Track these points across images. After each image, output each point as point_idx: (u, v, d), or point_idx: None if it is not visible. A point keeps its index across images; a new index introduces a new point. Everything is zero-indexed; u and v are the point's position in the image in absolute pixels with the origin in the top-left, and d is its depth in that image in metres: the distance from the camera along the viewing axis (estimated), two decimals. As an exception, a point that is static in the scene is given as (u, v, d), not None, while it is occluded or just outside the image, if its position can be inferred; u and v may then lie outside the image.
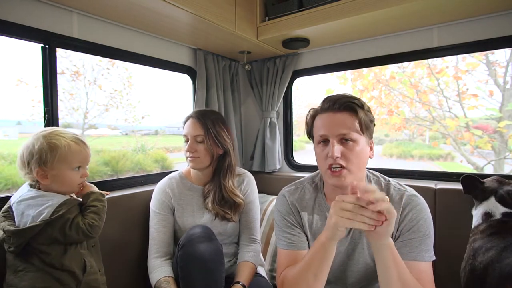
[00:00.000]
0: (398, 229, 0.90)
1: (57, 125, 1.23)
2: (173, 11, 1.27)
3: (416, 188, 1.00)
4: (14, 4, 1.11)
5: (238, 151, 2.02)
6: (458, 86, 2.68)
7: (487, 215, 1.09)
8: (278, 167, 1.99)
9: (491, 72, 2.53)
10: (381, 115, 3.14)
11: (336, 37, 1.67)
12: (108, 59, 2.66)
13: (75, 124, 2.94)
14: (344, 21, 1.41)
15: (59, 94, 1.25)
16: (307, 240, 1.00)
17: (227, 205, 1.30)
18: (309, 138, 1.01)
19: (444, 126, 2.86)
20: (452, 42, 1.45)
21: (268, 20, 1.64)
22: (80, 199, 1.00)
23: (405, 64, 2.85)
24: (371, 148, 0.94)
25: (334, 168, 0.87)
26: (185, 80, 1.86)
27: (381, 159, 3.71)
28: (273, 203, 1.74)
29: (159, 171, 2.08)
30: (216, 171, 1.34)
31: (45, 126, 1.20)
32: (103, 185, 1.37)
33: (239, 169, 1.44)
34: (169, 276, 1.16)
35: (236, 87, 2.07)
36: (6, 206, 0.93)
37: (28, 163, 0.89)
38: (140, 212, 1.39)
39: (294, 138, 2.11)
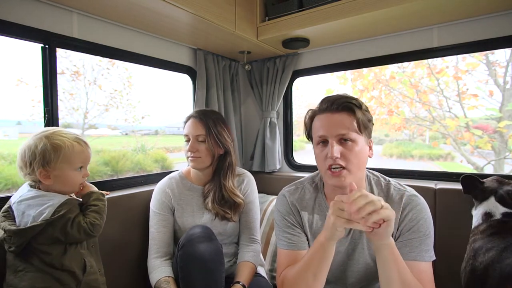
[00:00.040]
0: (398, 229, 0.90)
1: (57, 125, 1.23)
2: (173, 11, 1.27)
3: (416, 188, 1.00)
4: (14, 4, 1.11)
5: (238, 151, 2.02)
6: (458, 86, 2.68)
7: (487, 215, 1.09)
8: (278, 167, 1.99)
9: (491, 72, 2.53)
10: (381, 115, 3.14)
11: (336, 37, 1.67)
12: (108, 59, 2.66)
13: (75, 124, 2.94)
14: (344, 21, 1.41)
15: (59, 94, 1.25)
16: (307, 240, 1.00)
17: (227, 205, 1.30)
18: (308, 139, 1.01)
19: (444, 126, 2.87)
20: (452, 42, 1.45)
21: (268, 20, 1.64)
22: (80, 199, 1.00)
23: (405, 64, 2.85)
24: (370, 148, 0.94)
25: (334, 168, 0.87)
26: (185, 80, 1.86)
27: (381, 159, 3.71)
28: (273, 203, 1.74)
29: (159, 171, 2.08)
30: (217, 171, 1.34)
31: (45, 126, 1.20)
32: (103, 185, 1.37)
33: (239, 169, 1.44)
34: (169, 276, 1.16)
35: (236, 87, 2.07)
36: (6, 206, 0.93)
37: (31, 164, 0.89)
38: (140, 212, 1.39)
39: (294, 138, 2.11)
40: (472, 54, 2.43)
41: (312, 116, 0.96)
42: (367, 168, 0.99)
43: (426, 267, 0.85)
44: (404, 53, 1.58)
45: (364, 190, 0.70)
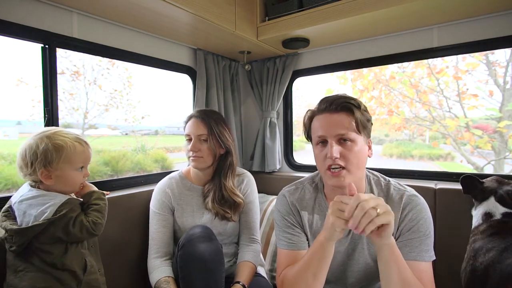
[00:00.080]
0: (398, 229, 0.90)
1: (57, 125, 1.23)
2: (173, 11, 1.27)
3: (416, 188, 1.00)
4: (14, 4, 1.11)
5: (238, 151, 2.02)
6: (458, 86, 2.68)
7: (487, 216, 1.09)
8: (278, 167, 1.99)
9: (491, 72, 2.53)
10: (381, 115, 3.14)
11: (336, 37, 1.67)
12: (108, 59, 2.66)
13: (75, 124, 2.94)
14: (344, 21, 1.41)
15: (59, 94, 1.25)
16: (307, 240, 1.00)
17: (227, 204, 1.30)
18: (307, 140, 1.01)
19: (444, 126, 2.87)
20: (452, 42, 1.45)
21: (268, 20, 1.64)
22: (81, 199, 1.00)
23: (405, 64, 2.85)
24: (370, 147, 0.94)
25: (333, 169, 0.87)
26: (185, 80, 1.86)
27: (381, 159, 3.71)
28: (273, 203, 1.74)
29: (159, 171, 2.08)
30: (217, 171, 1.34)
31: (45, 126, 1.20)
32: (103, 185, 1.37)
33: (239, 169, 1.44)
34: (169, 276, 1.16)
35: (236, 87, 2.07)
36: (6, 206, 0.93)
37: (32, 164, 0.89)
38: (140, 212, 1.39)
39: (294, 138, 2.11)
40: (472, 54, 2.44)
41: (311, 117, 0.96)
42: (367, 168, 0.99)
43: (426, 267, 0.85)
44: (404, 53, 1.58)
45: (360, 195, 0.70)
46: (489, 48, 1.44)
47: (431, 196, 1.36)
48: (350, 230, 0.96)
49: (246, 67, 1.98)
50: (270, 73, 1.96)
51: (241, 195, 1.34)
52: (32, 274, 0.86)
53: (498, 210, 1.08)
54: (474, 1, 1.24)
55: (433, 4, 1.25)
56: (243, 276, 1.21)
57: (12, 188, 2.11)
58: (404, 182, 1.00)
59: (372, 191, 0.96)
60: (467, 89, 2.64)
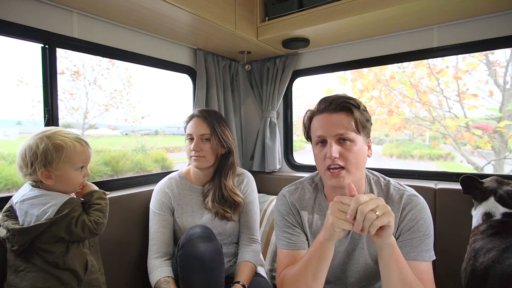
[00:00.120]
0: (398, 229, 0.90)
1: (57, 125, 1.23)
2: (173, 11, 1.27)
3: (416, 188, 1.00)
4: (14, 4, 1.11)
5: (238, 151, 2.02)
6: (458, 86, 2.68)
7: (487, 216, 1.09)
8: (278, 167, 1.99)
9: (491, 72, 2.53)
10: (381, 115, 3.14)
11: (336, 37, 1.67)
12: (108, 59, 2.66)
13: (75, 124, 2.94)
14: (344, 21, 1.41)
15: (59, 94, 1.25)
16: (307, 240, 1.00)
17: (227, 204, 1.30)
18: (307, 139, 1.01)
19: (444, 126, 2.87)
20: (452, 42, 1.45)
21: (268, 20, 1.64)
22: (82, 198, 1.00)
23: (405, 64, 2.85)
24: (369, 147, 0.94)
25: (333, 169, 0.87)
26: (185, 80, 1.86)
27: (381, 159, 3.71)
28: (273, 203, 1.74)
29: (159, 171, 2.08)
30: (217, 170, 1.34)
31: (45, 126, 1.20)
32: (103, 185, 1.36)
33: (239, 169, 1.44)
34: (169, 276, 1.16)
35: (236, 87, 2.07)
36: (7, 206, 0.94)
37: (32, 164, 0.89)
38: (140, 212, 1.39)
39: (294, 138, 2.11)
40: (472, 54, 2.44)
41: (310, 117, 0.96)
42: (366, 168, 0.99)
43: (426, 267, 0.85)
44: (404, 53, 1.58)
45: (360, 196, 0.70)
46: (489, 48, 1.44)
47: (431, 196, 1.36)
48: (349, 230, 0.96)
49: (246, 67, 1.98)
50: (270, 73, 1.96)
51: (241, 195, 1.34)
52: (33, 274, 0.86)
53: (498, 210, 1.08)
54: (474, 1, 1.24)
55: (433, 4, 1.25)
56: (243, 276, 1.21)
57: (12, 188, 2.11)
58: (404, 182, 1.00)
59: (372, 191, 0.96)
60: (467, 89, 2.64)
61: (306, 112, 0.99)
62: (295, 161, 2.07)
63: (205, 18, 1.36)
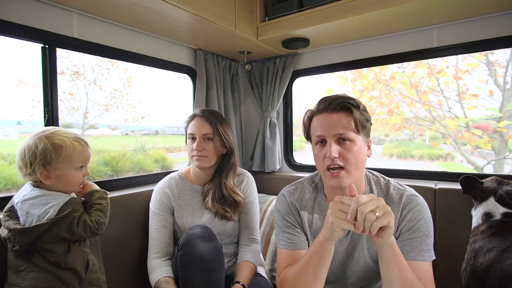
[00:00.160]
0: (398, 228, 0.90)
1: (57, 125, 1.23)
2: (173, 11, 1.27)
3: (416, 188, 1.00)
4: (14, 4, 1.11)
5: (238, 151, 2.02)
6: (458, 86, 2.68)
7: (487, 216, 1.09)
8: (278, 167, 1.99)
9: (491, 72, 2.53)
10: (381, 115, 3.14)
11: (336, 37, 1.67)
12: (108, 59, 2.66)
13: (75, 124, 2.94)
14: (344, 21, 1.41)
15: (59, 94, 1.25)
16: (307, 240, 1.00)
17: (227, 203, 1.30)
18: (307, 139, 1.01)
19: (444, 126, 2.87)
20: (452, 42, 1.45)
21: (268, 20, 1.64)
22: (83, 198, 1.00)
23: (405, 64, 2.85)
24: (369, 147, 0.94)
25: (332, 170, 0.87)
26: (185, 80, 1.86)
27: (381, 159, 3.71)
28: (273, 203, 1.74)
29: (159, 171, 2.08)
30: (218, 170, 1.34)
31: (45, 126, 1.20)
32: (103, 185, 1.36)
33: (239, 169, 1.44)
34: (168, 276, 1.16)
35: (236, 87, 2.07)
36: (8, 206, 0.94)
37: (31, 164, 0.89)
38: (140, 212, 1.39)
39: (294, 138, 2.11)
40: (472, 54, 2.44)
41: (310, 117, 0.96)
42: (366, 168, 0.99)
43: (426, 267, 0.85)
44: (404, 53, 1.58)
45: (360, 197, 0.70)
46: (489, 48, 1.44)
47: (431, 196, 1.36)
48: (349, 230, 0.96)
49: (246, 67, 1.98)
50: (270, 73, 1.96)
51: (241, 194, 1.34)
52: (34, 273, 0.87)
53: (498, 210, 1.07)
54: (474, 1, 1.24)
55: (433, 4, 1.25)
56: (243, 276, 1.21)
57: (12, 188, 2.11)
58: (404, 182, 1.00)
59: (371, 191, 0.97)
60: (467, 89, 2.64)
61: (306, 112, 0.99)
62: (295, 161, 2.07)
63: (205, 18, 1.36)
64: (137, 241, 1.38)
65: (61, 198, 0.91)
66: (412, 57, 1.60)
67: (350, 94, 0.98)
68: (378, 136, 3.88)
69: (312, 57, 1.89)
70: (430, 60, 2.64)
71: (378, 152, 3.81)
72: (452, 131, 2.82)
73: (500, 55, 2.49)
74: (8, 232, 0.87)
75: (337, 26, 1.48)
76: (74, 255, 0.91)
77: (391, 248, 0.76)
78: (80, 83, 2.86)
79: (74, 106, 2.89)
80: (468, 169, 2.77)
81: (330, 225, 0.74)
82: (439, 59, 2.60)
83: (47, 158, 0.88)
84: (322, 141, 0.90)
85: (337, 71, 1.90)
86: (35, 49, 1.20)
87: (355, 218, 0.69)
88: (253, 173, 1.69)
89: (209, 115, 1.30)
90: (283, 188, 1.09)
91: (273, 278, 1.50)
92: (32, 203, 0.89)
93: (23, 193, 0.91)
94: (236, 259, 1.32)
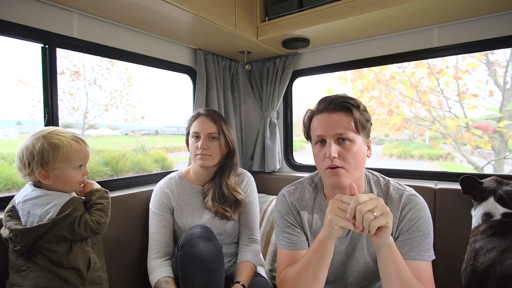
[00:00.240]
0: (397, 228, 0.90)
1: (57, 125, 1.23)
2: (173, 11, 1.27)
3: (416, 188, 1.00)
4: (14, 4, 1.11)
5: (238, 151, 2.02)
6: (458, 86, 2.68)
7: (487, 216, 1.09)
8: (278, 167, 1.99)
9: (491, 72, 2.53)
10: (381, 115, 3.14)
11: (336, 37, 1.67)
12: (108, 59, 2.66)
13: (75, 124, 2.94)
14: (344, 21, 1.41)
15: (59, 94, 1.25)
16: (307, 240, 1.00)
17: (227, 202, 1.30)
18: (307, 139, 1.01)
19: (444, 126, 2.87)
20: (452, 42, 1.45)
21: (268, 20, 1.64)
22: (83, 197, 1.00)
23: (405, 64, 2.85)
24: (369, 148, 0.94)
25: (332, 168, 0.87)
26: (185, 80, 1.86)
27: (381, 159, 3.71)
28: (273, 203, 1.74)
29: (159, 171, 2.08)
30: (219, 170, 1.34)
31: (45, 126, 1.20)
32: (103, 185, 1.35)
33: (239, 169, 1.44)
34: (168, 276, 1.16)
35: (236, 87, 2.07)
36: (9, 206, 0.94)
37: (29, 164, 0.89)
38: (140, 212, 1.39)
39: (294, 138, 2.11)
40: (472, 54, 2.44)
41: (310, 116, 0.97)
42: (366, 168, 0.99)
43: (426, 267, 0.85)
44: (404, 53, 1.58)
45: (359, 196, 0.70)
46: (489, 48, 1.44)
47: (431, 196, 1.36)
48: (349, 230, 0.96)
49: (246, 67, 1.98)
50: (270, 73, 1.96)
51: (242, 192, 1.34)
52: (36, 273, 0.87)
53: (498, 210, 1.07)
54: (474, 1, 1.24)
55: (433, 4, 1.25)
56: (243, 276, 1.21)
57: (12, 188, 2.11)
58: (404, 182, 1.00)
59: (371, 191, 0.97)
60: (467, 89, 2.64)
61: (306, 112, 0.99)
62: (295, 161, 2.07)
63: (205, 18, 1.36)
64: (137, 241, 1.38)
65: (61, 198, 0.91)
66: (412, 57, 1.60)
67: (350, 94, 0.98)
68: (378, 136, 3.88)
69: (312, 57, 1.89)
70: (430, 60, 2.64)
71: (378, 152, 3.81)
72: (452, 131, 2.82)
73: (500, 55, 2.49)
74: (10, 233, 0.86)
75: (337, 26, 1.48)
76: (76, 254, 0.92)
77: (389, 248, 0.76)
78: (80, 83, 2.86)
79: (74, 106, 2.89)
80: (468, 169, 2.77)
81: (329, 222, 0.74)
82: (439, 59, 2.60)
83: (45, 158, 0.88)
84: (322, 141, 0.91)
85: (337, 71, 1.90)
86: (35, 49, 1.20)
87: (354, 217, 0.69)
88: (253, 173, 1.69)
89: (214, 115, 1.31)
90: (283, 188, 1.09)
91: (273, 278, 1.50)
92: (33, 203, 0.89)
93: (24, 193, 0.91)
94: (236, 259, 1.32)
